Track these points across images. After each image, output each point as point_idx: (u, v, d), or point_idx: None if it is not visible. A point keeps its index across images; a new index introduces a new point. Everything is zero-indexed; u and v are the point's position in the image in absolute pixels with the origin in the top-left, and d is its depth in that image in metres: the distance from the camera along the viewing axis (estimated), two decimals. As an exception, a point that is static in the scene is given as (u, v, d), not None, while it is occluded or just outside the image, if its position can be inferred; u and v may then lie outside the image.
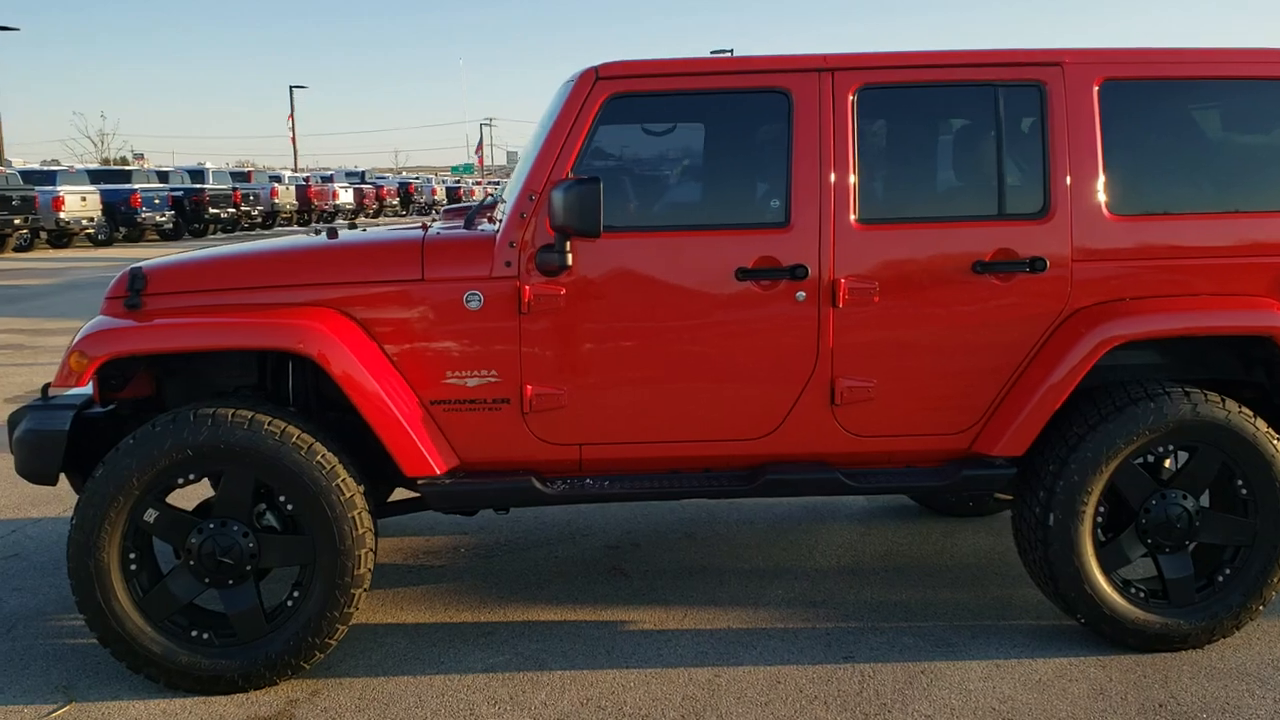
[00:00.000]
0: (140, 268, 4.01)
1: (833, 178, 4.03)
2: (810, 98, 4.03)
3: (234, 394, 4.24)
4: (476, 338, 4.00)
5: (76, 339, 3.81)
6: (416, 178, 60.25)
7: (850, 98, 4.04)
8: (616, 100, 4.01)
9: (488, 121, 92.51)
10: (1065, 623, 4.42)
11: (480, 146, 74.30)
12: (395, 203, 48.73)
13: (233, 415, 3.78)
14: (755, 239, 4.03)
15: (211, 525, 3.85)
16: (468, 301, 3.98)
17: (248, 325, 3.86)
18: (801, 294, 4.03)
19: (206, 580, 3.86)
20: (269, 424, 3.79)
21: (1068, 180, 4.09)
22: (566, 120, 4.00)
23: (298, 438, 3.81)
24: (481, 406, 4.03)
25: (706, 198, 4.21)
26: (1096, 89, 4.12)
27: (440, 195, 52.99)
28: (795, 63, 4.06)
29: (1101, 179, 4.11)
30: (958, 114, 4.19)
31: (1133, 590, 4.20)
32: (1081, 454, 4.06)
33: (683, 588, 4.85)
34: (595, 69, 4.03)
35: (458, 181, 60.73)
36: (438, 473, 3.94)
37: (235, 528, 3.85)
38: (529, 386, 4.01)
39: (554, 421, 4.04)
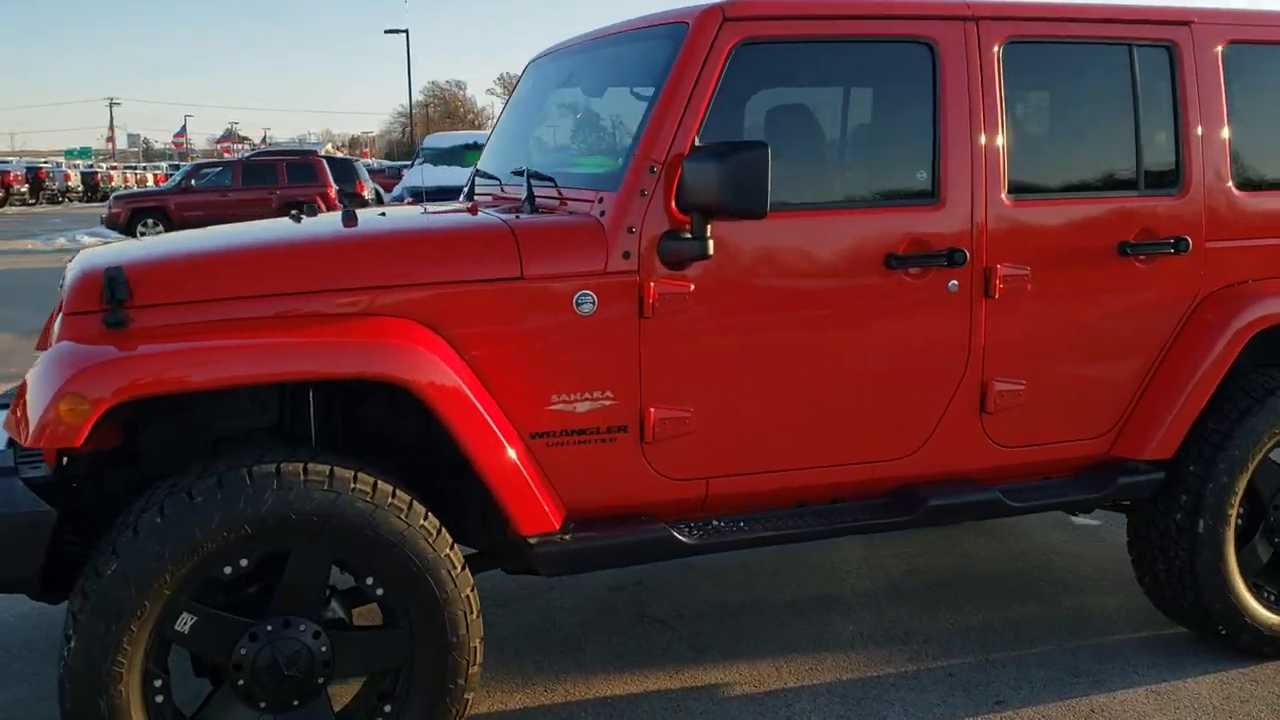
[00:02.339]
0: (119, 269, 2.79)
1: (983, 145, 3.43)
2: (957, 50, 3.40)
3: (245, 439, 3.10)
4: (588, 350, 3.10)
5: (57, 378, 2.58)
6: (46, 162, 54.03)
7: (996, 51, 3.45)
8: (746, 48, 3.21)
9: (113, 101, 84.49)
10: (1163, 631, 4.08)
11: (111, 128, 67.92)
12: (24, 190, 43.32)
13: (306, 472, 2.70)
14: (903, 219, 3.37)
15: (270, 627, 2.74)
16: (579, 305, 3.07)
17: (323, 346, 2.77)
18: (954, 283, 3.41)
19: (263, 705, 2.76)
20: (356, 481, 2.74)
21: (1199, 151, 3.70)
22: (687, 72, 3.16)
23: (395, 497, 2.78)
24: (593, 437, 3.13)
25: (849, 169, 3.49)
26: (1221, 51, 3.75)
27: (75, 181, 47.74)
28: (939, 9, 3.41)
29: (1229, 150, 3.75)
30: (1097, 75, 3.69)
31: (1265, 594, 3.90)
32: (1229, 453, 3.70)
33: (736, 631, 4.11)
34: (720, 7, 3.21)
35: (91, 166, 54.93)
36: (556, 527, 3.01)
37: (302, 627, 2.77)
38: (651, 409, 3.15)
39: (678, 452, 3.20)
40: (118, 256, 3.01)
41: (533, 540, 3.01)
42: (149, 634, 2.63)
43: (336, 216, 3.34)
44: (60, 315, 2.80)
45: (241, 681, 2.73)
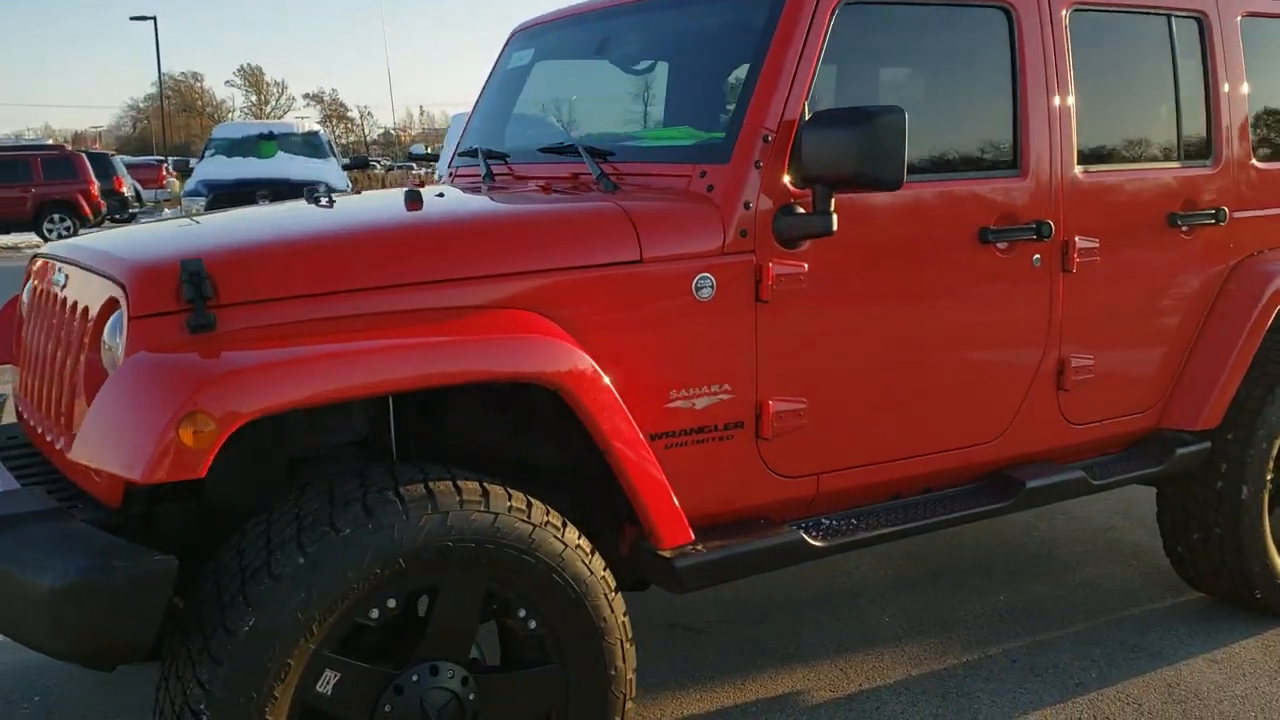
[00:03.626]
0: (198, 262, 2.30)
1: (1058, 114, 3.33)
2: (1032, 16, 3.28)
3: (328, 457, 2.64)
4: (707, 339, 2.80)
5: (166, 396, 2.08)
6: None
7: (1064, 17, 3.36)
8: (849, 8, 2.98)
9: None
10: (1181, 600, 4.13)
11: None
12: None
13: (461, 492, 2.29)
14: (992, 190, 3.23)
15: (415, 677, 2.32)
16: (698, 289, 2.77)
17: (470, 345, 2.37)
18: (1037, 257, 3.30)
19: None
20: (511, 499, 2.35)
21: (1227, 123, 3.74)
22: (794, 33, 2.90)
23: (549, 515, 2.41)
24: (711, 435, 2.84)
25: (942, 138, 3.28)
26: (1240, 23, 3.80)
27: None
28: (1013, -27, 3.28)
29: (1250, 122, 3.81)
30: (1142, 45, 3.65)
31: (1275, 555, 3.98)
32: (1267, 419, 3.75)
33: (776, 633, 3.89)
34: (822, -35, 2.96)
35: None
36: (692, 538, 2.70)
37: (450, 673, 2.36)
38: (770, 402, 2.88)
39: (792, 447, 2.95)
40: (179, 245, 2.50)
41: (668, 554, 2.69)
42: (290, 701, 2.17)
43: (395, 200, 2.90)
44: (126, 320, 2.27)
45: (385, 744, 2.30)
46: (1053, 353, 3.38)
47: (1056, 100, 3.31)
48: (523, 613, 2.42)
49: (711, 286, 2.77)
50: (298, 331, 2.33)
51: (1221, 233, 3.71)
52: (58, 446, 2.58)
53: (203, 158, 15.55)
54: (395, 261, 2.48)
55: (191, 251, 2.37)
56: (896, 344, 3.09)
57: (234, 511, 2.51)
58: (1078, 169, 3.36)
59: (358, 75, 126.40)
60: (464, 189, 3.36)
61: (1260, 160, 3.83)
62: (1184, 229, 3.62)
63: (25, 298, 3.15)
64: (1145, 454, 3.64)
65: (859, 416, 3.05)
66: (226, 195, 13.58)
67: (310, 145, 15.66)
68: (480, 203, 2.93)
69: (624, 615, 2.52)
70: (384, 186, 23.05)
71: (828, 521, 3.05)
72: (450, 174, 3.95)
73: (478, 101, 4.14)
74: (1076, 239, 3.34)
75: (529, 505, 2.37)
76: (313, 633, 2.14)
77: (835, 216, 2.79)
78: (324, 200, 3.13)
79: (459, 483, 2.31)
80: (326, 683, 2.22)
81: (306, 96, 79.87)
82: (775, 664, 3.65)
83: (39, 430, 2.75)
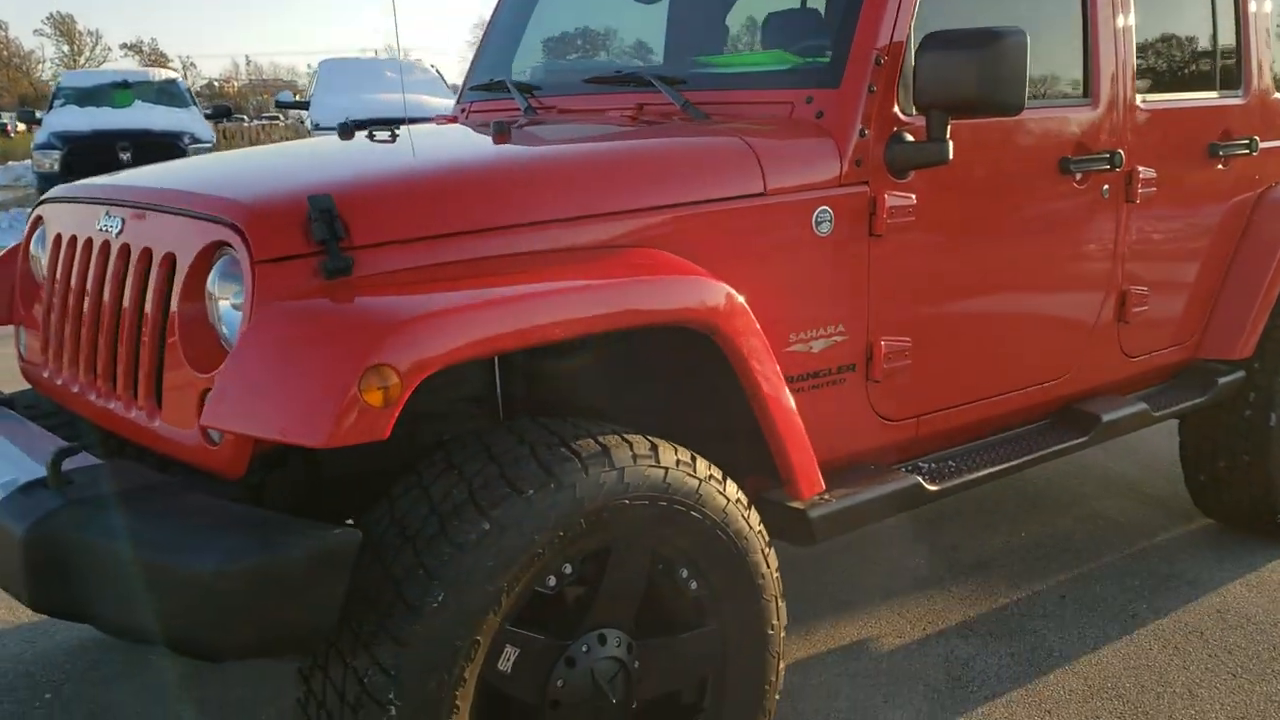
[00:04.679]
0: (329, 200, 2.02)
1: (1122, 41, 3.27)
2: (1101, -59, 3.20)
3: (441, 416, 2.39)
4: (825, 277, 2.65)
5: (337, 349, 1.82)
6: None
7: (1126, -56, 3.29)
8: (944, -75, 2.84)
9: None
10: (1191, 527, 4.21)
11: None
12: None
13: (635, 447, 2.09)
14: (1070, 119, 3.16)
15: (585, 647, 2.12)
16: (817, 224, 2.61)
17: (639, 286, 2.16)
18: (1106, 188, 3.25)
19: None
20: (679, 455, 2.17)
21: (1255, 52, 3.76)
22: None
23: (712, 470, 2.23)
24: (826, 379, 2.70)
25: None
26: (1259, -49, 3.81)
27: None
28: (1083, -105, 3.19)
29: (1273, 51, 3.84)
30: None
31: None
32: (1291, 346, 3.80)
33: (815, 586, 3.79)
34: (922, -121, 2.80)
35: None
36: (824, 487, 2.56)
37: (617, 642, 2.17)
38: (881, 343, 2.76)
39: (896, 389, 2.83)
40: (293, 181, 2.20)
41: (800, 505, 2.54)
42: (475, 683, 1.94)
43: (482, 135, 2.64)
44: (249, 266, 1.98)
45: (555, 723, 2.10)
46: (1116, 285, 3.34)
47: (1121, 25, 3.25)
48: (684, 573, 2.24)
49: (830, 220, 2.61)
50: (439, 275, 2.08)
51: (1252, 163, 3.73)
52: (129, 415, 2.27)
53: (51, 108, 14.46)
54: (526, 199, 2.24)
55: (313, 187, 2.09)
56: (990, 278, 3.00)
57: (348, 476, 2.26)
58: (1139, 100, 3.31)
59: (177, 24, 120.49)
60: (522, 124, 3.09)
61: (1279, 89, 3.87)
62: (1222, 158, 3.62)
63: (39, 250, 2.77)
64: (1192, 384, 3.65)
65: (956, 355, 2.95)
66: (84, 148, 12.69)
67: (168, 94, 14.73)
68: (591, 135, 2.70)
69: (777, 571, 2.37)
70: (252, 139, 21.97)
71: (928, 465, 2.95)
72: (463, 110, 3.66)
73: (486, 35, 3.85)
74: (1139, 169, 3.30)
75: (694, 459, 2.19)
76: (500, 605, 1.92)
77: (951, 144, 2.66)
78: (382, 136, 2.84)
79: (626, 437, 2.11)
80: (507, 660, 2.01)
81: (124, 46, 75.49)
82: (832, 614, 3.56)
83: (87, 397, 2.42)
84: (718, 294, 2.24)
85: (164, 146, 12.74)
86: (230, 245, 2.05)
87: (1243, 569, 3.84)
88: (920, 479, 2.78)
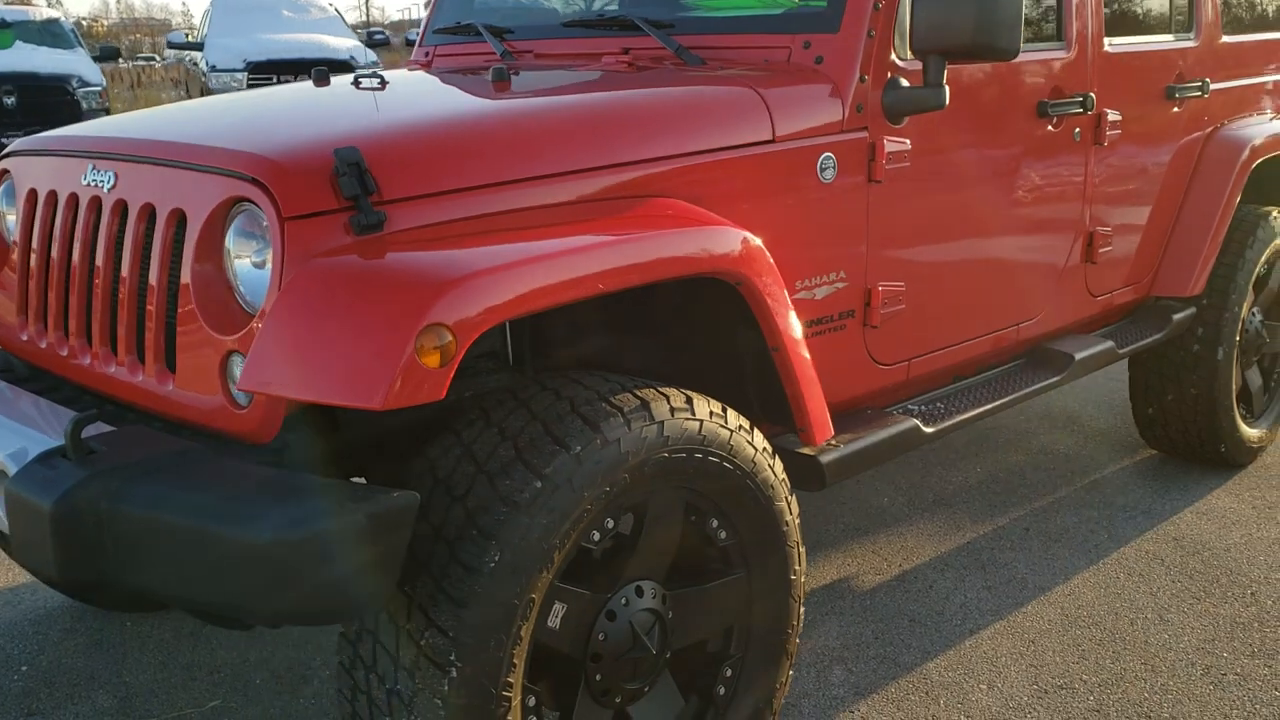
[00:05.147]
0: (356, 153, 1.96)
1: (1092, -14, 3.32)
2: (1073, -116, 3.24)
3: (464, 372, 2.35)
4: (829, 224, 2.66)
5: (389, 308, 1.76)
6: None
7: (1094, -113, 3.33)
8: None
9: None
10: (1136, 459, 4.37)
11: None
12: None
13: (671, 400, 2.09)
14: (1044, 63, 3.20)
15: (624, 600, 2.13)
16: (821, 170, 2.61)
17: (682, 236, 2.14)
18: (1078, 131, 3.31)
19: (619, 700, 2.16)
20: (711, 406, 2.17)
21: (1206, -3, 3.85)
22: None
23: (741, 420, 2.24)
24: (828, 326, 2.72)
25: None
26: (1209, -106, 3.89)
27: None
28: None
29: (1221, -3, 3.94)
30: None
31: (1241, 412, 4.25)
32: (1237, 284, 3.96)
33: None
34: None
35: None
36: (833, 433, 2.59)
37: (652, 593, 2.18)
38: (879, 288, 2.78)
39: (890, 334, 2.87)
40: (313, 132, 2.12)
41: (811, 450, 2.57)
42: (529, 641, 1.93)
43: (484, 81, 2.58)
44: (277, 222, 1.91)
45: (600, 676, 2.10)
46: (1085, 227, 3.42)
47: (1091, -28, 3.29)
48: (715, 523, 2.25)
49: (833, 167, 2.62)
50: (471, 229, 2.03)
51: (1203, 105, 3.84)
52: (134, 380, 2.18)
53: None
54: (552, 148, 2.20)
55: (334, 139, 2.02)
56: (974, 222, 3.04)
57: (371, 436, 2.22)
58: (1106, 43, 3.37)
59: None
60: (494, 70, 3.02)
61: (1227, 34, 3.97)
62: (1178, 100, 3.71)
63: (5, 206, 2.63)
64: (1149, 322, 3.77)
65: (943, 299, 3.00)
66: (-37, 92, 12.03)
67: (52, 34, 13.99)
68: (599, 83, 2.64)
69: (798, 517, 2.39)
70: (133, 82, 21.07)
71: (917, 407, 3.00)
72: (427, 54, 3.56)
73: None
74: (1106, 112, 3.37)
75: (725, 411, 2.19)
76: (553, 562, 1.91)
77: (948, 90, 2.68)
78: (369, 83, 2.74)
79: (661, 390, 2.10)
80: (556, 616, 2.00)
81: (-17, -18, 71.63)
82: (810, 554, 3.61)
83: (79, 361, 2.32)
84: (747, 243, 2.23)
85: (51, 90, 12.16)
86: (251, 201, 1.97)
87: (1190, 498, 4.01)
88: (918, 421, 2.83)
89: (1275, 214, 4.07)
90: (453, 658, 1.82)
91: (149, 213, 2.16)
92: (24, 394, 2.40)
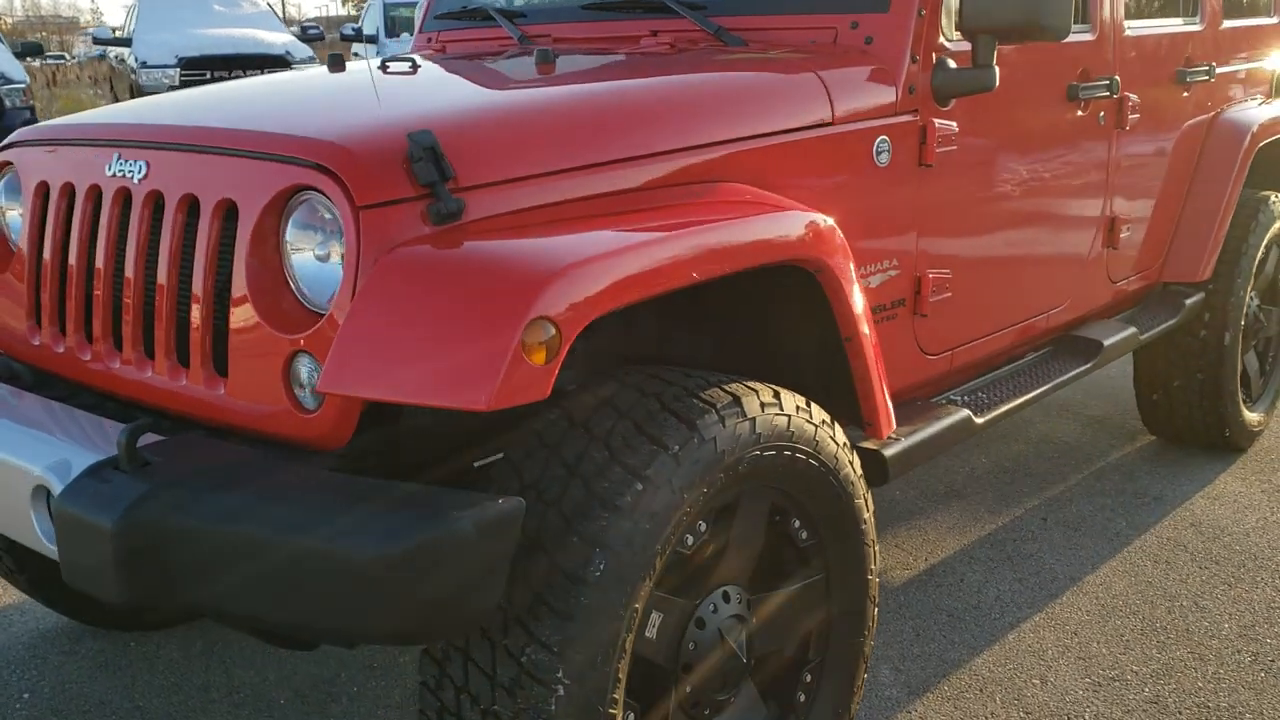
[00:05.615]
0: (431, 137, 1.82)
1: (1115, -32, 3.28)
2: None
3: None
4: (883, 209, 2.58)
5: (492, 302, 1.64)
6: None
7: None
8: None
9: None
10: (1137, 445, 4.36)
11: None
12: None
13: (761, 395, 1.99)
14: (1070, 45, 3.14)
15: (712, 607, 2.02)
16: (877, 154, 2.53)
17: (767, 221, 2.05)
18: (1103, 114, 3.27)
19: (707, 712, 2.05)
20: (797, 400, 2.07)
21: (1210, -19, 3.85)
22: None
23: (823, 416, 2.14)
24: (882, 316, 2.64)
25: None
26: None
27: None
28: None
29: (1219, -21, 3.93)
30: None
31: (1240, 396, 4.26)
32: (1242, 269, 3.96)
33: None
34: None
35: None
36: (895, 426, 2.50)
37: (737, 598, 2.07)
38: (929, 276, 2.71)
39: (938, 323, 2.80)
40: (379, 115, 1.98)
41: (876, 444, 2.49)
42: (630, 653, 1.82)
43: (528, 63, 2.45)
44: (350, 213, 1.77)
45: (690, 687, 1.99)
46: (1108, 212, 3.39)
47: (1113, -48, 3.25)
48: (796, 523, 2.15)
49: (889, 150, 2.54)
50: (552, 217, 1.91)
51: (1209, 89, 3.83)
52: (174, 385, 2.02)
53: None
54: (623, 132, 2.09)
55: (407, 122, 1.88)
56: (1013, 207, 2.98)
57: (430, 435, 2.08)
58: (1126, 27, 3.34)
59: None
60: (538, 52, 2.89)
61: (1227, 19, 3.97)
62: (1188, 84, 3.70)
63: (9, 201, 2.45)
64: (1164, 307, 3.75)
65: (984, 286, 2.94)
66: None
67: (-31, 29, 13.50)
68: (657, 65, 2.53)
69: (873, 515, 2.30)
70: (48, 79, 20.38)
71: (961, 398, 2.93)
72: (430, 40, 3.42)
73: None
74: (1129, 96, 3.33)
75: (809, 405, 2.09)
76: (654, 569, 1.80)
77: (997, 70, 2.61)
78: (398, 67, 2.60)
79: (749, 384, 1.99)
80: (652, 627, 1.89)
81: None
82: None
83: (106, 366, 2.15)
84: (830, 229, 2.13)
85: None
86: (315, 189, 1.83)
87: (1198, 483, 4.00)
88: (968, 411, 2.76)
89: (1274, 198, 4.07)
90: (560, 674, 1.70)
91: (188, 204, 2.00)
92: (43, 401, 2.22)
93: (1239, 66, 4.01)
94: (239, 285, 1.90)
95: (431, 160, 1.80)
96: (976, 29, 2.56)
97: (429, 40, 3.42)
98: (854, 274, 2.22)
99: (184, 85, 12.13)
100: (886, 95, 2.53)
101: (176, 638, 3.06)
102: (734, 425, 1.90)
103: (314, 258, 1.86)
